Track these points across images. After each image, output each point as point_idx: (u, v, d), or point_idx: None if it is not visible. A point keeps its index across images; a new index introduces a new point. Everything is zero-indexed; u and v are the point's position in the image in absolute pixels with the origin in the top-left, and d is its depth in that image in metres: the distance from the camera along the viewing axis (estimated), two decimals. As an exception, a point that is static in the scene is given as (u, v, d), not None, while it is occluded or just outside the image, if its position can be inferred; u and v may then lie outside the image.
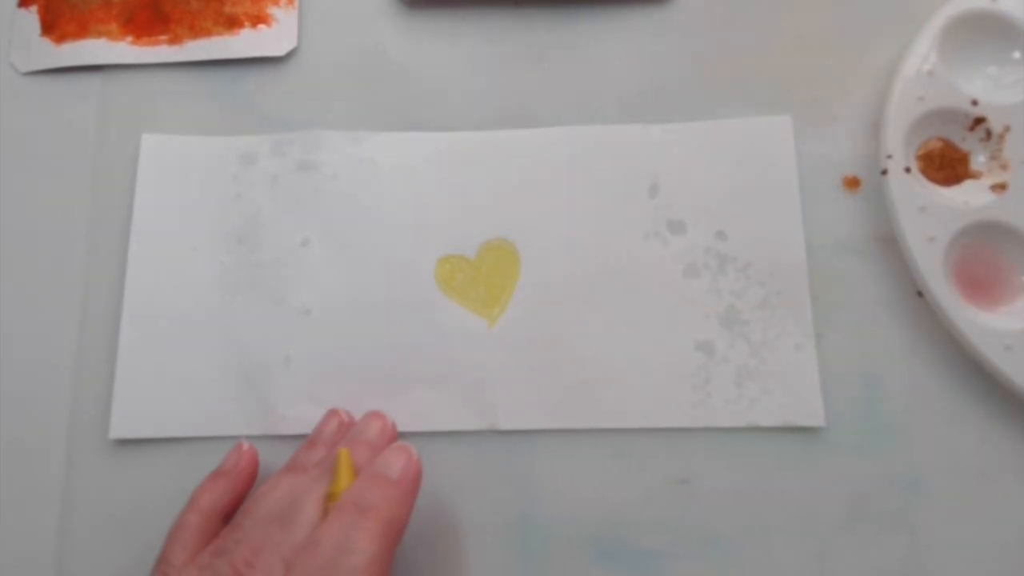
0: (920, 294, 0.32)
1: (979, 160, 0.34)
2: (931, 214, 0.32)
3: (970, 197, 0.33)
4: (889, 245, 0.33)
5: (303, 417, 0.32)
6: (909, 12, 0.36)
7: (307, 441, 0.31)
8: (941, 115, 0.34)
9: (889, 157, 0.33)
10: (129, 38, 0.38)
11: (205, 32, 0.38)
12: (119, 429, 0.33)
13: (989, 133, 0.34)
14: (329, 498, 0.26)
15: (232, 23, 0.38)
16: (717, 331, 0.33)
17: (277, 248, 0.35)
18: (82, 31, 0.38)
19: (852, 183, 0.35)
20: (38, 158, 0.37)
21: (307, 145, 0.36)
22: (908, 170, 0.33)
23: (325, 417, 0.32)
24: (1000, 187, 0.33)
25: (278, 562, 0.24)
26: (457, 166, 0.35)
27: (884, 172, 0.33)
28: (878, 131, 0.34)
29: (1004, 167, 0.33)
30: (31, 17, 0.38)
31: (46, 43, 0.38)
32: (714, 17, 0.37)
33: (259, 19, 0.38)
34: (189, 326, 0.34)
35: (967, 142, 0.34)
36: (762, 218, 0.34)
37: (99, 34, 0.38)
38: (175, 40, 0.38)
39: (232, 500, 0.30)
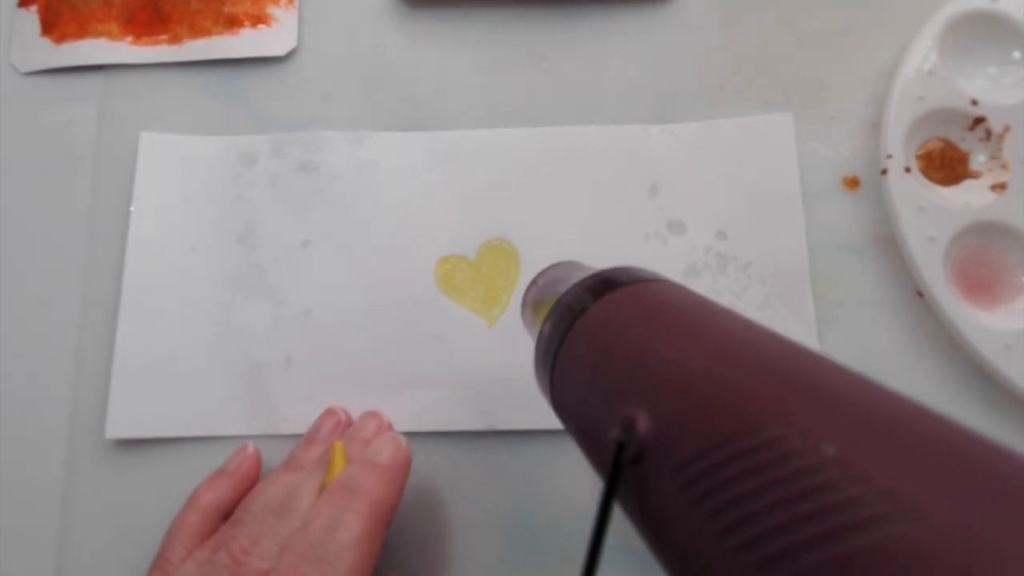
0: (920, 294, 0.32)
1: (979, 160, 0.34)
2: (931, 214, 0.32)
3: (970, 197, 0.33)
4: (889, 245, 0.33)
5: (303, 417, 0.32)
6: (909, 12, 0.36)
7: (304, 439, 0.31)
8: (941, 115, 0.34)
9: (889, 157, 0.33)
10: (129, 38, 0.38)
11: (205, 32, 0.38)
12: (115, 429, 0.32)
13: (989, 133, 0.34)
14: (323, 488, 0.27)
15: (232, 23, 0.38)
16: (717, 331, 0.33)
17: (277, 248, 0.35)
18: (82, 31, 0.38)
19: (852, 183, 0.35)
20: (38, 158, 0.37)
21: (307, 145, 0.36)
22: (908, 170, 0.33)
23: (323, 415, 0.32)
24: (1000, 187, 0.33)
25: (275, 548, 0.25)
26: (457, 166, 0.35)
27: (884, 172, 0.33)
28: (878, 131, 0.34)
29: (1004, 167, 0.33)
30: (31, 17, 0.38)
31: (46, 43, 0.38)
32: (714, 17, 0.37)
33: (259, 19, 0.38)
34: (188, 326, 0.34)
35: (967, 142, 0.34)
36: (763, 218, 0.34)
37: (99, 34, 0.38)
38: (175, 40, 0.38)
39: (232, 500, 0.30)
